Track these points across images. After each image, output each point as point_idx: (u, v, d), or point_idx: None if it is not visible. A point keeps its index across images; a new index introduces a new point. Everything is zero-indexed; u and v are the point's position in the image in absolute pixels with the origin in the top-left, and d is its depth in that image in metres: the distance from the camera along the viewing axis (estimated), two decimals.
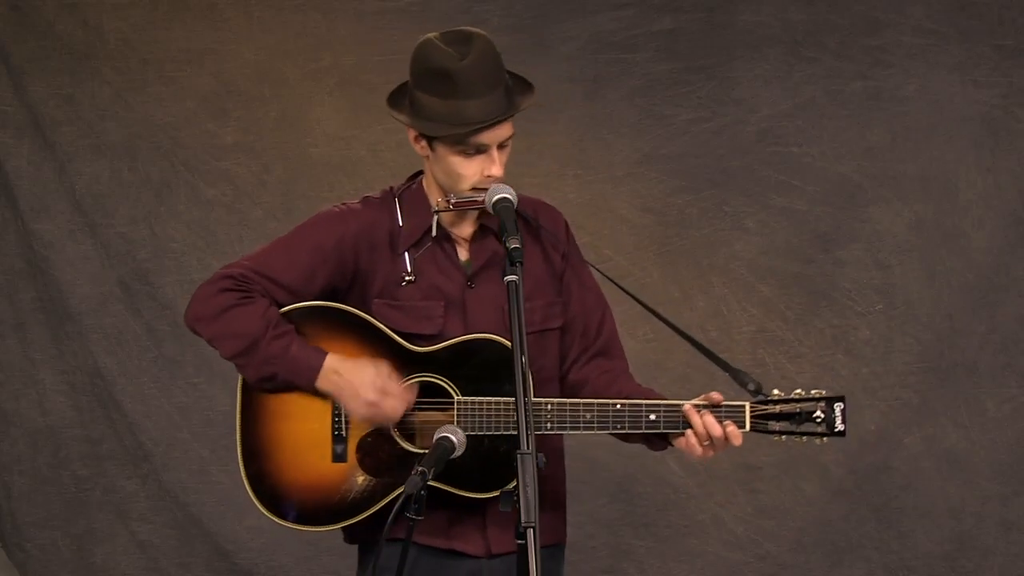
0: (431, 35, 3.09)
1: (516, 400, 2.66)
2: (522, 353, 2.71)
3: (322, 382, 3.04)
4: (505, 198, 2.96)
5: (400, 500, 2.68)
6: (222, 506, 4.83)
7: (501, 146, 3.05)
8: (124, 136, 4.86)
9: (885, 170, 4.66)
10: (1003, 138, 4.60)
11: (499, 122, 3.01)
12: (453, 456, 2.81)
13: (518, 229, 2.89)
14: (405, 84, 3.12)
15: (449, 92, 3.00)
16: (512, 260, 2.80)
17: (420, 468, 2.70)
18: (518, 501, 2.59)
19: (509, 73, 3.10)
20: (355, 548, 3.23)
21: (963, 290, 4.60)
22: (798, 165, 4.68)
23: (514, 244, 2.82)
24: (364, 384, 3.00)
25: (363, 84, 4.83)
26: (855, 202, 4.66)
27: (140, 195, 4.86)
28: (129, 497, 4.88)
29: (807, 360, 4.66)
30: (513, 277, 2.77)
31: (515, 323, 2.73)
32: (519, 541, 2.59)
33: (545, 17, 4.74)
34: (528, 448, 2.62)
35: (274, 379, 3.07)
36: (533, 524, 2.57)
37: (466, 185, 3.04)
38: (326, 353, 3.04)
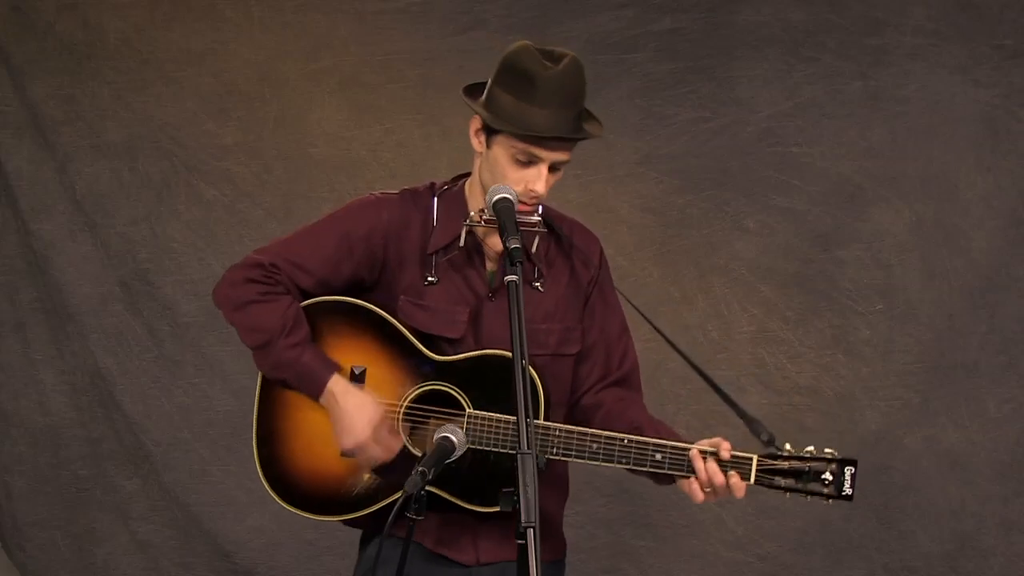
0: (529, 42, 3.06)
1: (516, 400, 2.66)
2: (522, 355, 2.69)
3: (323, 400, 3.06)
4: (505, 198, 2.95)
5: (400, 499, 2.69)
6: (222, 506, 4.83)
7: (553, 168, 3.01)
8: (124, 136, 4.86)
9: (885, 170, 4.66)
10: (1003, 138, 4.60)
11: (561, 142, 2.98)
12: (454, 456, 2.81)
13: (518, 229, 2.89)
14: (484, 83, 3.09)
15: (526, 95, 2.97)
16: (512, 260, 2.79)
17: (421, 468, 2.70)
18: (518, 501, 2.59)
19: (587, 111, 3.08)
20: (356, 543, 3.24)
21: (963, 290, 4.60)
22: (798, 165, 4.68)
23: (514, 244, 2.81)
24: (356, 426, 3.02)
25: (363, 84, 4.83)
26: (855, 202, 4.66)
27: (140, 195, 4.86)
28: (129, 497, 4.88)
29: (807, 360, 4.66)
30: (513, 277, 2.76)
31: (515, 323, 2.72)
32: (519, 541, 2.58)
33: (545, 17, 4.74)
34: (528, 448, 2.62)
35: (286, 383, 3.10)
36: (533, 524, 2.57)
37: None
38: (334, 371, 3.06)
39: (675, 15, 4.72)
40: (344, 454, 3.07)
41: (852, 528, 4.64)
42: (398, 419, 3.07)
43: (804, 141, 4.68)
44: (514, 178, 2.99)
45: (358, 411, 3.02)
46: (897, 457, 4.62)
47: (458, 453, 2.81)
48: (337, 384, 3.05)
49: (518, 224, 2.94)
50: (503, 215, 2.92)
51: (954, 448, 4.60)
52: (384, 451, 3.03)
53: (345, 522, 3.19)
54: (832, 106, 4.67)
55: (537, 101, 2.96)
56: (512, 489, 2.63)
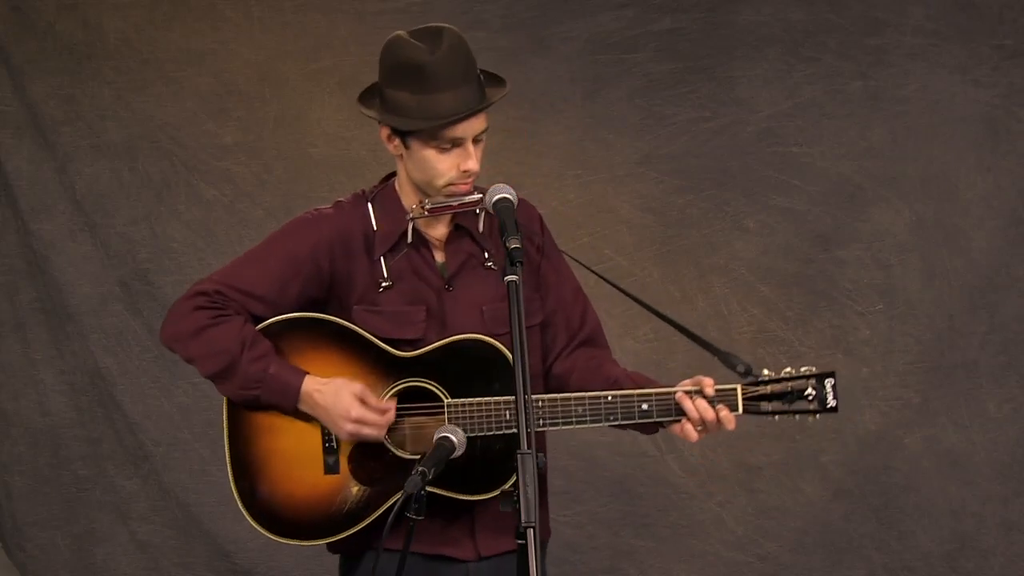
0: (400, 32, 3.05)
1: (516, 400, 2.65)
2: (522, 353, 2.69)
3: (302, 404, 3.02)
4: (505, 198, 2.92)
5: (400, 500, 2.68)
6: (222, 506, 4.83)
7: (476, 140, 3.01)
8: (124, 136, 4.86)
9: (885, 170, 4.66)
10: (1003, 138, 4.60)
11: (474, 114, 2.98)
12: (454, 456, 2.81)
13: (518, 229, 2.88)
14: (375, 84, 3.09)
15: (421, 87, 2.96)
16: (512, 260, 2.77)
17: (420, 468, 2.70)
18: (518, 501, 2.59)
19: (482, 71, 3.06)
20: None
21: (963, 290, 4.60)
22: (798, 165, 4.68)
23: (514, 244, 2.80)
24: (340, 411, 2.98)
25: (363, 84, 4.76)
26: (855, 202, 4.66)
27: (140, 195, 4.86)
28: (129, 497, 4.88)
29: (807, 360, 4.63)
30: (513, 277, 2.75)
31: (515, 323, 2.71)
32: (519, 541, 2.58)
33: (545, 17, 4.74)
34: (528, 448, 2.62)
35: (257, 400, 3.04)
36: (533, 524, 2.57)
37: (442, 181, 3.01)
38: (304, 374, 3.01)
39: (675, 15, 4.72)
40: (347, 439, 3.02)
41: (852, 528, 4.64)
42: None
43: (804, 141, 4.68)
44: (445, 167, 2.99)
45: (338, 394, 2.99)
46: (897, 457, 4.62)
47: (458, 452, 2.81)
48: (310, 384, 3.01)
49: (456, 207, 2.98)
50: (503, 215, 2.90)
51: (954, 448, 4.60)
52: (382, 416, 2.99)
53: (330, 547, 3.14)
54: (832, 106, 4.67)
55: (434, 88, 2.96)
56: (512, 489, 2.62)
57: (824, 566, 4.65)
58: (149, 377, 4.85)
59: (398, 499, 2.69)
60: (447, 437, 2.79)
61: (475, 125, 2.99)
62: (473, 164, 2.99)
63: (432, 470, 2.72)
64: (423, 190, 3.06)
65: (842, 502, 4.65)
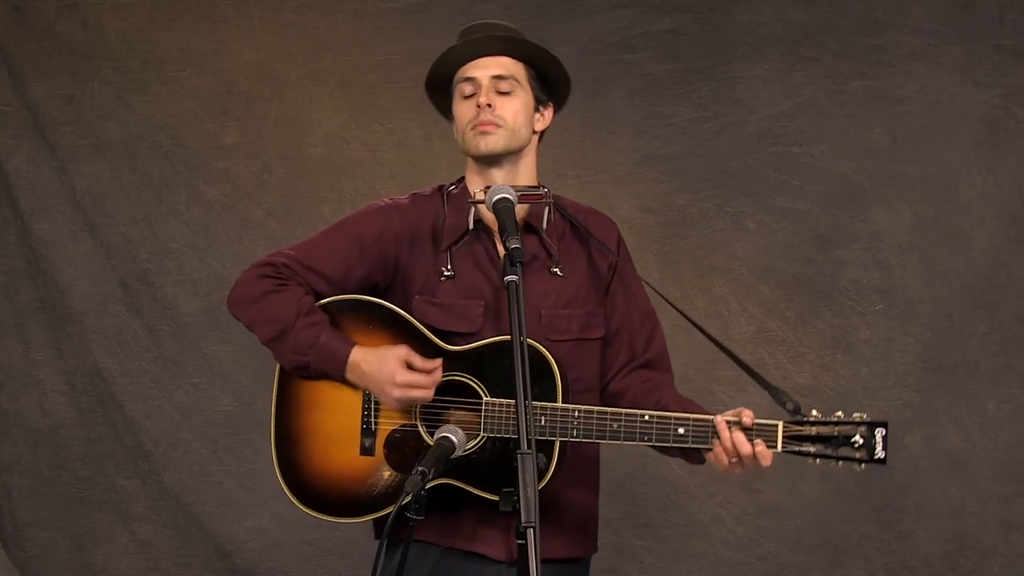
0: None
1: (516, 401, 2.66)
2: (522, 354, 2.70)
3: (350, 374, 3.06)
4: (505, 198, 2.95)
5: (400, 500, 2.68)
6: (222, 506, 4.83)
7: (500, 92, 3.08)
8: (124, 136, 4.87)
9: (885, 170, 4.66)
10: (1003, 138, 4.60)
11: (485, 55, 3.08)
12: (454, 455, 2.81)
13: (518, 229, 2.89)
14: None
15: (451, 48, 3.12)
16: (512, 260, 2.79)
17: (420, 468, 2.70)
18: (518, 502, 2.59)
19: (536, 47, 3.15)
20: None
21: (963, 290, 4.60)
22: (798, 165, 4.68)
23: (514, 244, 2.82)
24: (386, 376, 3.01)
25: (363, 84, 4.83)
26: (855, 202, 4.66)
27: (140, 195, 4.86)
28: (129, 497, 4.89)
29: (807, 360, 4.67)
30: (513, 277, 2.77)
31: (514, 323, 2.72)
32: (519, 541, 2.58)
33: (545, 17, 4.74)
34: (528, 448, 2.62)
35: (307, 368, 3.08)
36: (533, 524, 2.57)
37: (466, 125, 3.09)
38: (353, 344, 3.06)
39: (675, 15, 4.72)
40: (396, 406, 3.05)
41: (852, 528, 4.64)
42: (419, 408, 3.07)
43: (804, 141, 4.68)
44: (466, 111, 3.10)
45: (383, 361, 3.02)
46: (897, 457, 4.62)
47: (458, 452, 2.81)
48: (358, 354, 3.04)
49: (523, 197, 3.03)
50: (503, 215, 2.92)
51: (954, 448, 4.60)
52: (428, 377, 3.02)
53: (375, 526, 3.17)
54: (832, 106, 4.67)
55: (460, 38, 3.12)
56: (513, 489, 2.62)
57: (824, 566, 4.65)
58: (149, 377, 4.85)
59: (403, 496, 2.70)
60: (447, 437, 2.80)
61: (486, 64, 3.09)
62: (484, 98, 3.07)
63: (432, 469, 2.72)
64: (466, 152, 3.13)
65: (842, 502, 4.65)
